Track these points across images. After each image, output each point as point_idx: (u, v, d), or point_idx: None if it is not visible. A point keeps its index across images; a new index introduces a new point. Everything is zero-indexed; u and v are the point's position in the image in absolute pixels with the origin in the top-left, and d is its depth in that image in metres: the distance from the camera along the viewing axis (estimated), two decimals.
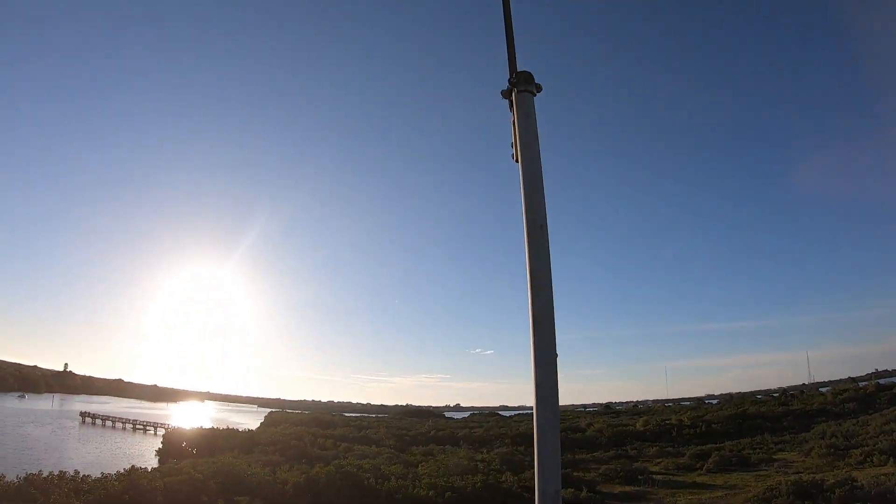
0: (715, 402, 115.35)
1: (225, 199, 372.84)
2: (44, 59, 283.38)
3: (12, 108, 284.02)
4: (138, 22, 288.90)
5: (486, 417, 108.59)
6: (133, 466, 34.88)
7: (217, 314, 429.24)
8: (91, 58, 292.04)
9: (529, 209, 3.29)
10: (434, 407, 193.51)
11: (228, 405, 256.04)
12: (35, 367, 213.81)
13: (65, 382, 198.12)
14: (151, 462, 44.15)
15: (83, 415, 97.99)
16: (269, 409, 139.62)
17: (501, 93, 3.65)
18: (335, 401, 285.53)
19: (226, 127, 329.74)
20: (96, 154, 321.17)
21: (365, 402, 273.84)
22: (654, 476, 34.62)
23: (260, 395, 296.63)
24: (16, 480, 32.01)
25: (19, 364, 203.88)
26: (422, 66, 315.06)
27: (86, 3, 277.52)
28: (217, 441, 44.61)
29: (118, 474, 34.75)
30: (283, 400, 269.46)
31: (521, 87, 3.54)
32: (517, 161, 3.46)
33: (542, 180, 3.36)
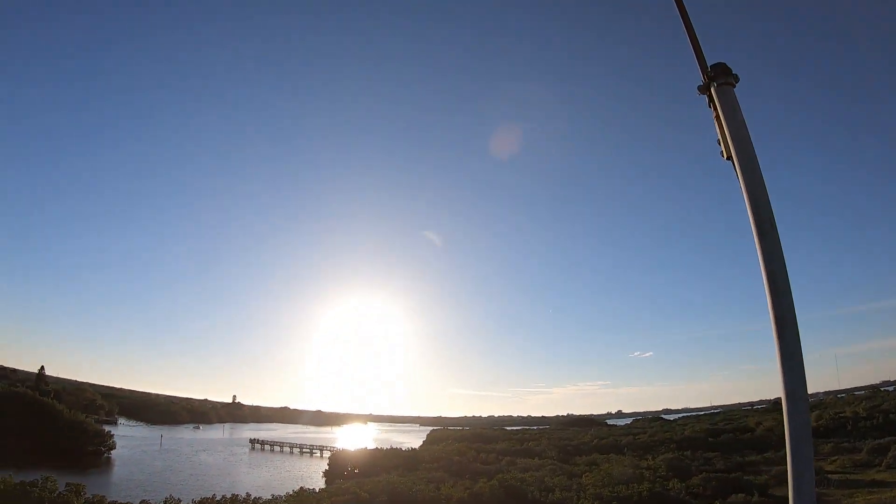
0: (891, 388, 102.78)
1: (382, 230, 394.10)
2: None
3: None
4: None
5: (650, 423, 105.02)
6: (301, 488, 36.95)
7: (376, 339, 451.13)
8: None
9: (755, 207, 3.05)
10: (595, 415, 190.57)
11: (390, 426, 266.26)
12: (205, 400, 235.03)
13: (234, 412, 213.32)
14: (318, 483, 45.95)
15: (252, 441, 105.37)
16: (430, 428, 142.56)
17: (698, 88, 3.48)
18: (495, 415, 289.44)
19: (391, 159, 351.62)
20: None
21: (525, 415, 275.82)
22: (829, 476, 32.41)
23: (420, 415, 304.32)
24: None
25: (191, 399, 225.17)
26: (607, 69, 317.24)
27: None
28: (381, 461, 45.96)
29: (287, 495, 37.08)
30: (444, 418, 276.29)
31: (720, 80, 3.36)
32: (727, 158, 3.27)
33: (762, 174, 3.13)
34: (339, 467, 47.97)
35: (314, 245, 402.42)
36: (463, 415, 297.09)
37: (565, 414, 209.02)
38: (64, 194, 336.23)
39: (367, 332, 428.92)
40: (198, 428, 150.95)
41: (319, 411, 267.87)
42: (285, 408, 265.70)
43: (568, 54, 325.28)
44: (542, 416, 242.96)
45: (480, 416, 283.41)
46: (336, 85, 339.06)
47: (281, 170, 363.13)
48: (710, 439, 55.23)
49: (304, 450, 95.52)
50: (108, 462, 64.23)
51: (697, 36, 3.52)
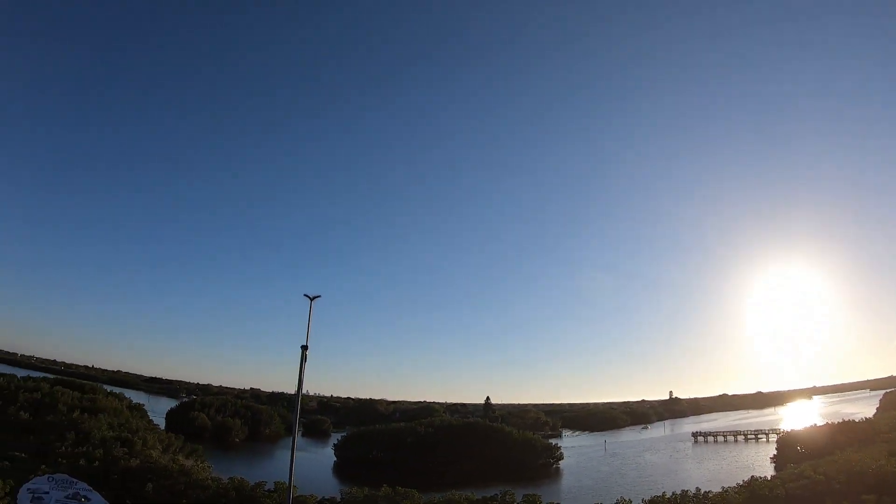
0: None
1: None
2: None
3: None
4: None
5: None
6: (752, 477, 33.48)
7: (805, 306, 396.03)
8: None
9: None
10: None
11: (837, 396, 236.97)
12: (643, 401, 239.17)
13: (672, 408, 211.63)
14: (767, 470, 42.29)
15: (694, 435, 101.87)
16: (882, 391, 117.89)
17: None
18: None
19: None
20: None
21: None
22: None
23: (869, 378, 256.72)
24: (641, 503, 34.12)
25: (628, 402, 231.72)
26: None
27: None
28: (832, 437, 41.07)
29: (738, 486, 33.66)
30: None
31: None
32: None
33: None
34: (787, 450, 42.98)
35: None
36: None
37: None
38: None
39: (798, 302, 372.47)
40: (646, 428, 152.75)
41: (759, 392, 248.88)
42: (723, 395, 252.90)
43: None
44: None
45: None
46: None
47: None
48: None
49: (749, 436, 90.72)
50: (558, 472, 68.87)
51: None
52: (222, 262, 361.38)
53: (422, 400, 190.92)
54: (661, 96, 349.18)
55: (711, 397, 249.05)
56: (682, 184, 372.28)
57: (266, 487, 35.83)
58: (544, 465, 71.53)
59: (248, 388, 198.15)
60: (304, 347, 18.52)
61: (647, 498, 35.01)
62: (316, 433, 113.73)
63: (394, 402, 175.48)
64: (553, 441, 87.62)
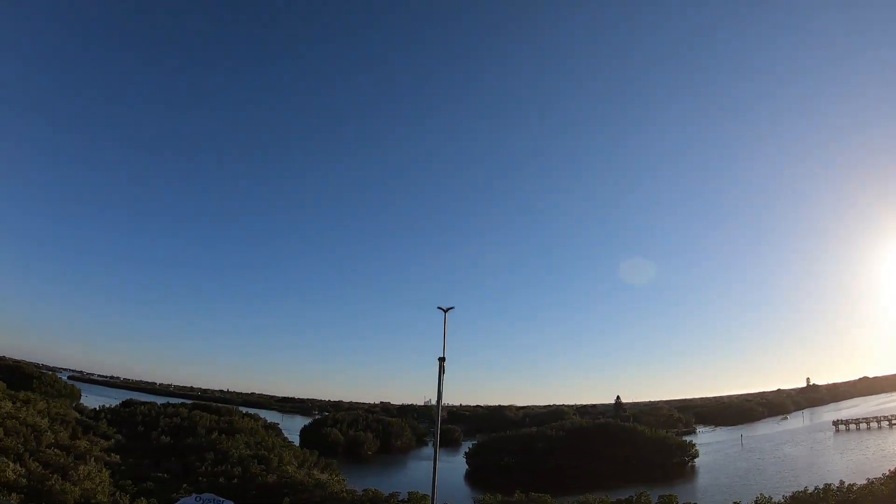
0: None
1: None
2: None
3: None
4: None
5: None
6: None
7: None
8: None
9: None
10: None
11: None
12: (778, 390, 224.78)
13: (809, 396, 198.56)
14: None
15: (836, 423, 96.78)
16: None
17: None
18: None
19: None
20: None
21: None
22: None
23: None
24: (782, 500, 34.31)
25: (763, 392, 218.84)
26: None
27: None
28: None
29: (884, 477, 33.00)
30: None
31: None
32: None
33: None
34: None
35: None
36: None
37: None
38: None
39: None
40: (784, 419, 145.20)
41: None
42: (863, 378, 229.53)
43: None
44: None
45: None
46: None
47: None
48: None
49: (894, 421, 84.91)
50: (693, 470, 68.13)
51: None
52: (346, 280, 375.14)
53: (551, 403, 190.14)
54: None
55: (851, 381, 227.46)
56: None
57: (400, 497, 37.75)
58: (679, 463, 71.01)
59: (377, 402, 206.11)
60: (442, 359, 18.97)
61: (789, 494, 34.65)
62: (447, 442, 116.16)
63: (523, 408, 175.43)
64: (687, 438, 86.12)
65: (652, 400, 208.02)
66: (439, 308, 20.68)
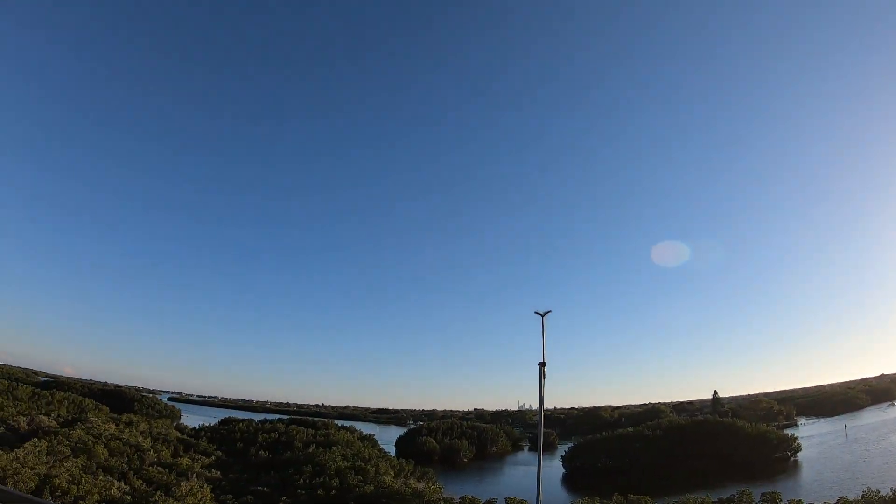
0: None
1: None
2: None
3: None
4: None
5: None
6: None
7: None
8: None
9: None
10: None
11: None
12: (881, 375, 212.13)
13: None
14: None
15: None
16: None
17: None
18: None
19: None
20: None
21: None
22: None
23: None
24: (890, 494, 34.77)
25: (866, 378, 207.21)
26: None
27: None
28: None
29: None
30: None
31: None
32: None
33: None
34: None
35: None
36: None
37: None
38: None
39: None
40: (892, 405, 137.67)
41: None
42: None
43: None
44: None
45: None
46: None
47: None
48: None
49: None
50: (796, 465, 66.77)
51: None
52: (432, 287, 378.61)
53: (647, 402, 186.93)
54: None
55: None
56: None
57: None
58: (781, 458, 69.94)
59: (472, 408, 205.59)
60: (542, 364, 19.00)
61: None
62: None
63: (618, 408, 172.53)
64: (788, 431, 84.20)
65: (751, 393, 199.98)
66: (536, 312, 20.69)
